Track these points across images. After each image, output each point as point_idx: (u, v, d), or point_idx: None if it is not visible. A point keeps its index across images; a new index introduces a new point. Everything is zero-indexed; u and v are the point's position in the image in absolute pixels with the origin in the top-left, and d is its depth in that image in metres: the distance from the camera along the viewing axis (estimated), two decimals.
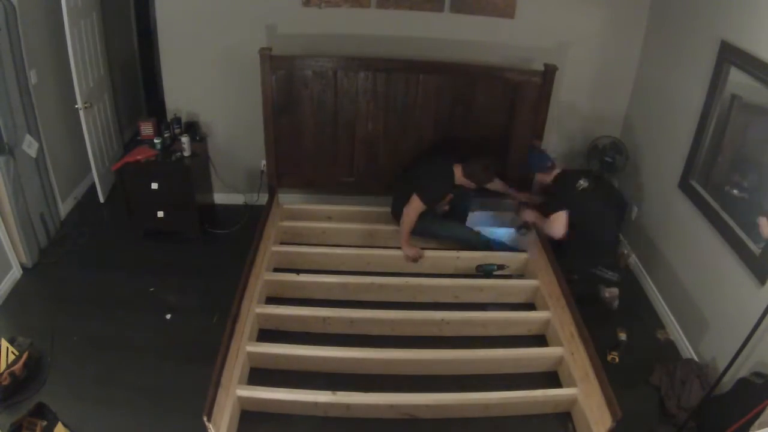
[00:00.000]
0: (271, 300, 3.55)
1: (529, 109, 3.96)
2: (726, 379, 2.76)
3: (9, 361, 2.88)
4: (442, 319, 3.36)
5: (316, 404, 2.83)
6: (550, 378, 3.21)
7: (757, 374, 2.65)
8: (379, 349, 3.09)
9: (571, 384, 3.02)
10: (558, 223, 3.45)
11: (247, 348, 3.03)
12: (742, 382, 2.70)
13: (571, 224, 3.47)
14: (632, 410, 3.06)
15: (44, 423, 2.57)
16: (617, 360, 3.34)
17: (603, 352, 3.37)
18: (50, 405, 2.66)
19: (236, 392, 2.79)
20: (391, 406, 2.85)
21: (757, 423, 2.40)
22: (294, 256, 3.86)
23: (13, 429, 2.54)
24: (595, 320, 3.65)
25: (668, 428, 2.97)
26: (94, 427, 2.79)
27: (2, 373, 2.83)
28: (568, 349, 3.16)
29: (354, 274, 3.68)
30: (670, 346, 3.52)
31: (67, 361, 3.13)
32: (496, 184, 3.95)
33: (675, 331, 3.55)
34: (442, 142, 4.03)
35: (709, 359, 3.16)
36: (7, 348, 2.92)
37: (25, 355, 2.95)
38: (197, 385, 3.03)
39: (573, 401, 2.97)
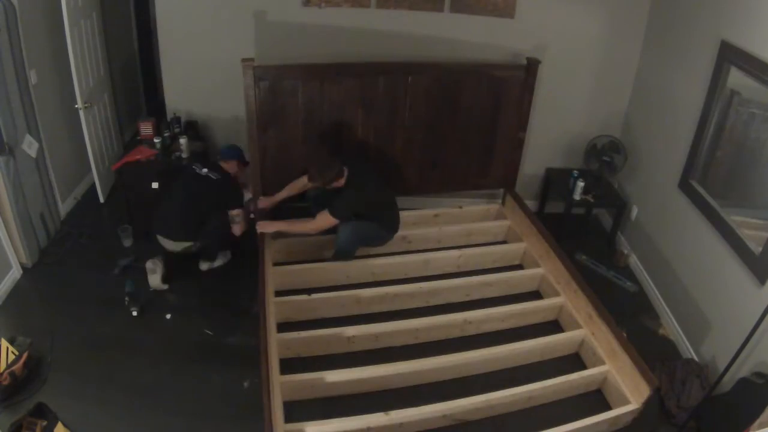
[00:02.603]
0: (282, 326, 3.28)
1: (513, 103, 4.04)
2: (726, 379, 2.77)
3: (9, 361, 2.88)
4: (465, 320, 3.38)
5: (368, 429, 2.70)
6: (571, 361, 3.33)
7: (758, 374, 2.65)
8: (415, 361, 3.04)
9: (598, 363, 3.15)
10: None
11: (281, 379, 2.82)
12: (743, 382, 2.70)
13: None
14: None
15: (44, 423, 2.57)
16: None
17: None
18: (50, 405, 2.66)
19: (283, 429, 2.62)
20: (444, 416, 2.82)
21: (757, 423, 2.41)
22: (294, 275, 3.65)
23: (13, 429, 2.54)
24: None
25: (668, 428, 2.97)
26: (94, 427, 2.79)
27: (2, 373, 2.83)
28: (588, 330, 3.29)
29: (362, 287, 3.56)
30: (670, 346, 3.52)
31: (67, 361, 3.12)
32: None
33: (675, 331, 3.55)
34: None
35: (709, 359, 3.16)
36: (7, 348, 2.92)
37: (25, 355, 2.95)
38: (197, 385, 3.05)
39: (603, 379, 3.10)
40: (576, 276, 3.49)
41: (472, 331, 3.43)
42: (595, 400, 3.10)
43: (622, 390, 2.95)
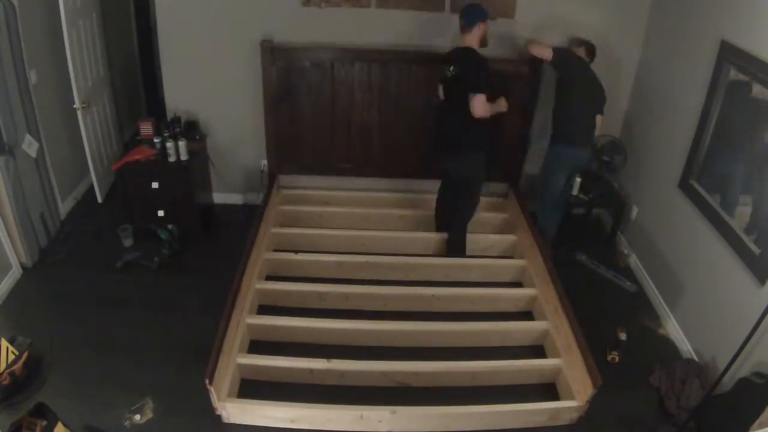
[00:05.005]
0: (271, 278, 3.73)
1: (517, 97, 4.03)
2: (726, 379, 2.76)
3: (9, 361, 2.88)
4: (433, 295, 3.52)
5: (311, 371, 2.97)
6: (537, 351, 3.37)
7: (758, 374, 2.65)
8: (371, 321, 3.30)
9: (556, 356, 3.18)
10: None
11: (247, 320, 3.21)
12: (743, 382, 2.70)
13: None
14: (632, 410, 3.08)
15: (44, 423, 2.57)
16: (617, 360, 3.34)
17: (603, 352, 3.38)
18: (50, 405, 2.66)
19: (236, 360, 2.95)
20: (384, 374, 2.99)
21: (757, 423, 2.41)
22: (293, 237, 4.04)
23: (13, 429, 2.54)
24: (594, 320, 3.66)
25: (668, 428, 2.97)
26: (94, 428, 2.79)
27: (2, 373, 2.83)
28: (552, 323, 3.34)
29: (350, 254, 3.87)
30: (670, 346, 3.52)
31: (67, 361, 3.12)
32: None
33: (675, 331, 3.55)
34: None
35: (709, 359, 3.16)
36: (7, 348, 2.92)
37: (25, 355, 2.96)
38: (197, 384, 3.04)
39: (557, 372, 3.12)
40: (551, 269, 3.53)
41: (440, 307, 3.55)
42: (551, 394, 3.11)
43: (570, 386, 2.96)
